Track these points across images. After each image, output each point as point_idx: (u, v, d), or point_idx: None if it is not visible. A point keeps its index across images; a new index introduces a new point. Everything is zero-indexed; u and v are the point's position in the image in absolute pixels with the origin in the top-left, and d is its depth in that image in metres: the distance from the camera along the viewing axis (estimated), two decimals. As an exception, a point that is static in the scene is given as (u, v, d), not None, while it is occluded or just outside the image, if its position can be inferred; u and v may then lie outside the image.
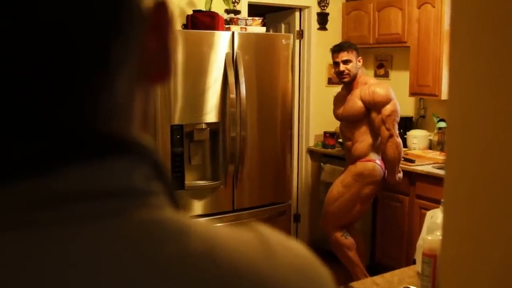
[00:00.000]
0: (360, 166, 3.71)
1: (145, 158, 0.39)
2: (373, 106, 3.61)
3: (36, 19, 0.33)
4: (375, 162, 3.70)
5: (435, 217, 1.89)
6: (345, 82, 3.74)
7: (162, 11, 0.41)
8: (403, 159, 3.92)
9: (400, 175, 3.79)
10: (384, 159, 3.70)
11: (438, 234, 1.72)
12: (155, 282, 0.34)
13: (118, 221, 0.36)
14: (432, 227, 1.85)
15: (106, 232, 0.35)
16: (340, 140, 4.38)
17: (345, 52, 3.68)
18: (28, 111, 0.35)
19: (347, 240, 3.78)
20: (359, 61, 3.71)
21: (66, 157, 0.35)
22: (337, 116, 3.91)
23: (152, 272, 0.34)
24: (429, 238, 1.76)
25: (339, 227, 3.78)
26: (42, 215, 0.34)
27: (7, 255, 0.33)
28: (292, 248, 0.41)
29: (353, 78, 3.70)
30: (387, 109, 3.57)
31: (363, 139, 3.71)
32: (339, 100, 3.89)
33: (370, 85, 3.65)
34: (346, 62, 3.67)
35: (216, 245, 0.37)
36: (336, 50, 3.74)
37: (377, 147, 3.70)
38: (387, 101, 3.58)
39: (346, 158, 3.95)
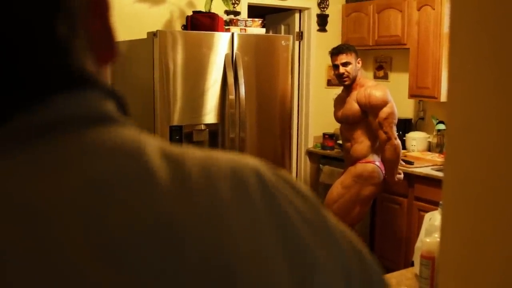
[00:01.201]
0: (360, 167, 3.70)
1: (110, 94, 0.44)
2: (369, 109, 3.60)
3: None
4: (374, 164, 3.70)
5: (433, 219, 1.89)
6: (345, 85, 3.73)
7: None
8: (402, 161, 3.92)
9: (401, 176, 3.78)
10: (383, 160, 3.70)
11: (436, 236, 1.72)
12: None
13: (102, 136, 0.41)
14: (431, 229, 1.85)
15: (88, 146, 0.40)
16: (339, 141, 4.38)
17: (344, 55, 3.67)
18: None
19: None
20: (358, 63, 3.70)
21: (42, 94, 0.40)
22: (336, 118, 3.91)
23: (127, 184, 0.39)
24: (428, 240, 1.76)
25: None
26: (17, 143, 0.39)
27: None
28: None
29: (353, 80, 3.69)
30: (383, 112, 3.56)
31: (362, 140, 3.70)
32: (339, 102, 3.88)
33: (367, 88, 3.63)
34: (345, 64, 3.66)
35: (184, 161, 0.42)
36: (335, 52, 3.73)
37: (377, 148, 3.70)
38: (384, 104, 3.56)
39: (345, 160, 3.95)
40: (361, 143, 3.70)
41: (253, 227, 0.41)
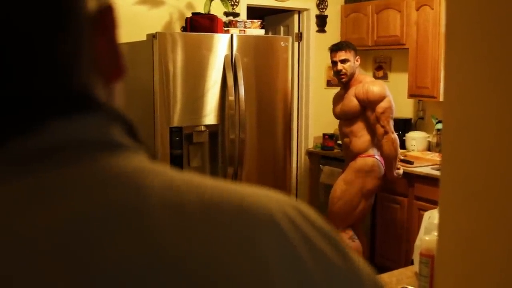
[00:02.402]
0: (360, 161, 3.74)
1: (116, 117, 0.42)
2: (367, 104, 3.66)
3: None
4: (374, 157, 3.75)
5: (432, 217, 1.90)
6: (343, 82, 3.77)
7: (107, 14, 0.44)
8: (402, 160, 3.94)
9: (400, 171, 3.83)
10: (382, 155, 3.75)
11: (435, 235, 1.73)
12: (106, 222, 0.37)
13: (101, 167, 0.39)
14: (430, 227, 1.86)
15: (85, 176, 0.38)
16: (339, 142, 4.39)
17: (343, 52, 3.71)
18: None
19: (354, 243, 3.80)
20: (356, 61, 3.75)
21: (41, 117, 0.39)
22: (335, 114, 3.95)
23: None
24: (427, 238, 1.77)
25: (345, 226, 3.79)
26: (18, 167, 0.37)
27: None
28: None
29: (351, 77, 3.74)
30: (380, 107, 3.61)
31: (361, 135, 3.75)
32: (337, 99, 3.93)
33: (365, 83, 3.69)
34: (343, 61, 3.71)
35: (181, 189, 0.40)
36: (334, 49, 3.77)
37: (376, 142, 3.74)
38: (381, 98, 3.62)
39: (345, 156, 3.96)
40: (361, 137, 3.75)
41: (254, 263, 0.38)
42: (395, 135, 3.66)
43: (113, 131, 0.41)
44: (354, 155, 3.77)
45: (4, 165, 0.37)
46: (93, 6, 0.42)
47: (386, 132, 3.62)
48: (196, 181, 0.41)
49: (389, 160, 3.69)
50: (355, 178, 3.73)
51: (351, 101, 3.71)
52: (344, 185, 3.77)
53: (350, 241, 3.78)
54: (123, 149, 0.41)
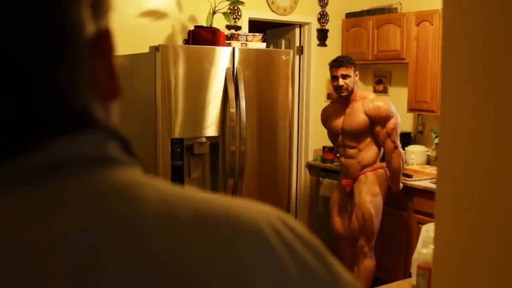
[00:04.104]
0: (375, 174, 3.82)
1: (113, 135, 0.44)
2: (378, 120, 3.74)
3: None
4: (383, 169, 3.85)
5: (430, 230, 1.92)
6: (343, 96, 3.81)
7: (105, 38, 0.46)
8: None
9: (401, 184, 3.93)
10: (389, 169, 3.82)
11: (433, 248, 1.75)
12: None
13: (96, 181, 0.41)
14: (427, 240, 1.88)
15: (82, 190, 0.40)
16: (338, 154, 4.41)
17: (344, 68, 3.76)
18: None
19: (373, 259, 3.89)
20: (356, 76, 3.81)
21: (42, 137, 0.41)
22: (335, 129, 3.95)
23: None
24: (424, 251, 1.79)
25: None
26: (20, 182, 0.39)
27: None
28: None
29: (351, 92, 3.79)
30: (391, 123, 3.72)
31: (370, 147, 3.83)
32: (335, 113, 3.96)
33: (373, 100, 3.78)
34: (344, 77, 3.75)
35: (174, 205, 0.41)
36: (335, 65, 3.80)
37: (383, 156, 3.85)
38: (392, 115, 3.73)
39: (347, 167, 3.92)
40: (369, 150, 3.83)
41: (242, 275, 0.40)
42: (402, 150, 3.81)
43: (110, 148, 0.44)
44: (362, 167, 3.83)
45: (6, 181, 0.39)
46: (91, 30, 0.44)
47: (395, 147, 3.74)
48: (187, 193, 0.43)
49: (398, 173, 3.82)
50: (379, 189, 3.82)
51: (360, 117, 3.77)
52: (372, 198, 3.80)
53: (372, 255, 3.86)
54: (119, 164, 0.43)
